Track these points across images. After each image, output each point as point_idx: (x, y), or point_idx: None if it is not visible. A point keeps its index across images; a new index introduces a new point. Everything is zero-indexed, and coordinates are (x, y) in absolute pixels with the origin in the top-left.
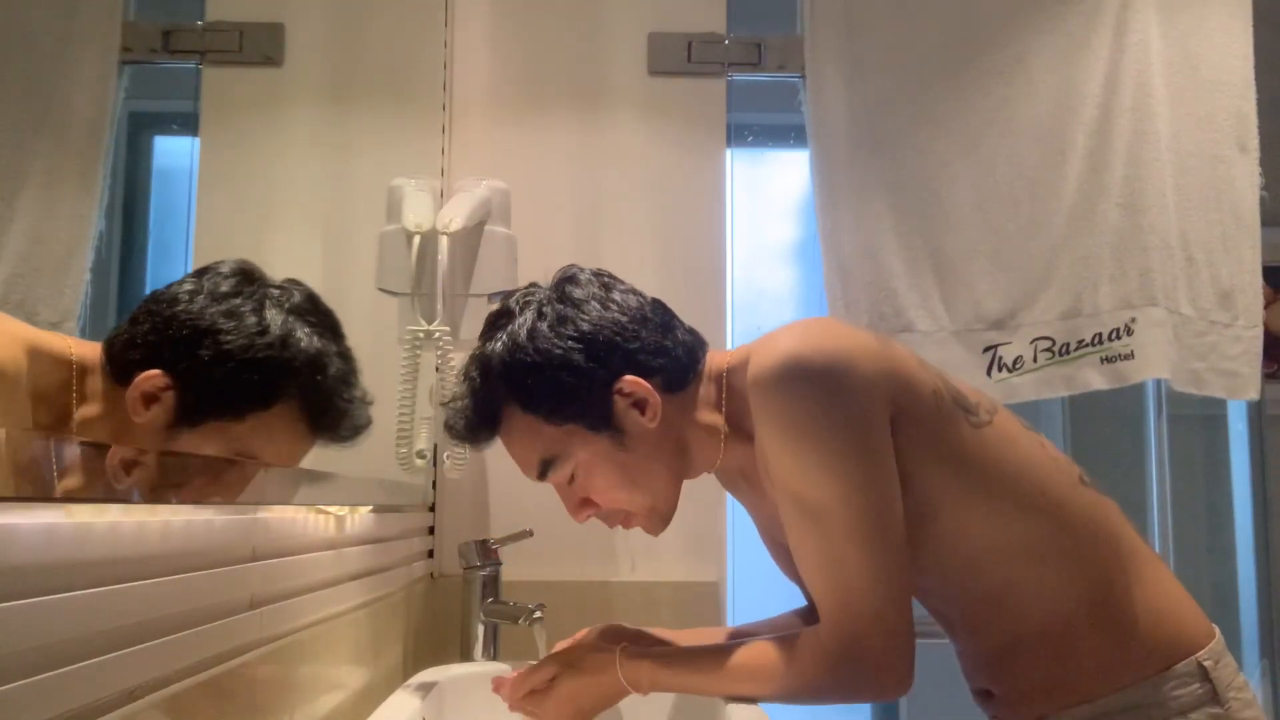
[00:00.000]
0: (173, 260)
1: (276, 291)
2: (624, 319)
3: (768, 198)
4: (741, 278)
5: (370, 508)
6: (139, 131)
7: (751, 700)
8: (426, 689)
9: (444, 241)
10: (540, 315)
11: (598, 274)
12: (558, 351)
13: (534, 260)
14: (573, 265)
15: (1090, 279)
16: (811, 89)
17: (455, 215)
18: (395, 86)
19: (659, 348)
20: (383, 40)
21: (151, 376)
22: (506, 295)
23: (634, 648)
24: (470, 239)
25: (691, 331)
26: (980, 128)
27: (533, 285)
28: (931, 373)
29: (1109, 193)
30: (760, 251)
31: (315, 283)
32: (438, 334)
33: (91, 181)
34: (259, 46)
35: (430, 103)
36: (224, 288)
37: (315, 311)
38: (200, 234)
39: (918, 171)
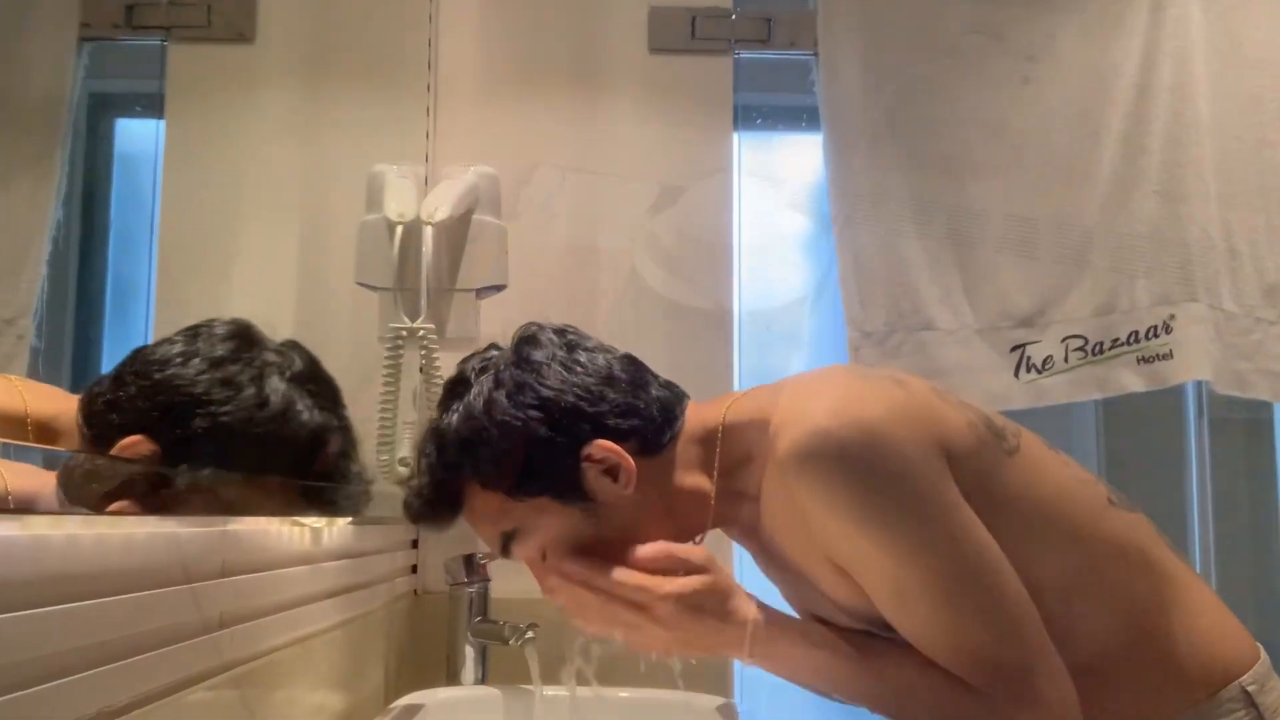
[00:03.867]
0: (136, 252)
1: (276, 357)
2: (589, 380)
3: (777, 185)
4: (749, 269)
5: (349, 519)
6: (100, 113)
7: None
8: (411, 714)
9: (428, 232)
10: (498, 383)
11: (560, 331)
12: (517, 423)
13: (526, 253)
14: (532, 324)
15: (1125, 273)
16: (824, 68)
17: (441, 204)
18: (376, 65)
19: (628, 408)
20: (363, 15)
21: (136, 443)
22: (464, 360)
23: (770, 615)
24: (457, 229)
25: (668, 385)
26: (1007, 109)
27: (491, 347)
28: (957, 404)
29: (1146, 180)
30: (770, 242)
31: (290, 277)
32: (422, 332)
33: (48, 168)
34: (229, 21)
35: (414, 83)
36: (219, 351)
37: (316, 379)
38: (165, 224)
39: (939, 157)
